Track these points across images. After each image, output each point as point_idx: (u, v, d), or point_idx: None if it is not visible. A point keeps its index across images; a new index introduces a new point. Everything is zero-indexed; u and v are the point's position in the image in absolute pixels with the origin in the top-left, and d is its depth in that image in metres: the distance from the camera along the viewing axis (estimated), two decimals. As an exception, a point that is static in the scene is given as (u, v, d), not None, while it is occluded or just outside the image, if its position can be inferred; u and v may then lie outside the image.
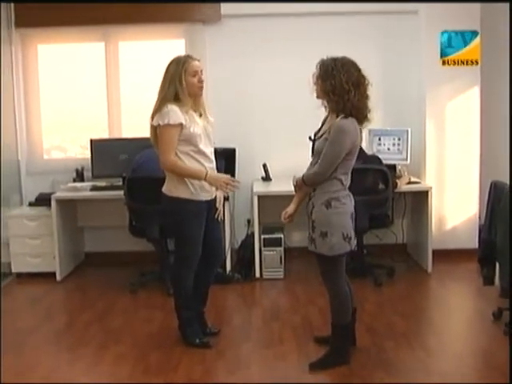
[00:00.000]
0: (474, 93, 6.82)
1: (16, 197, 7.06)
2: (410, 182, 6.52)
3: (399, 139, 6.77)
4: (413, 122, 6.97)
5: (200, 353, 4.63)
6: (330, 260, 4.18)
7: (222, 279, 6.25)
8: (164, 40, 7.24)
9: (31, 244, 6.59)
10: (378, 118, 6.76)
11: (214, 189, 4.65)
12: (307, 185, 4.23)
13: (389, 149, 6.79)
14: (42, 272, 6.60)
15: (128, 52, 7.22)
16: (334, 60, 4.09)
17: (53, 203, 6.43)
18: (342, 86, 4.01)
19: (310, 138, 4.34)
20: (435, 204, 6.64)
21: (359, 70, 4.10)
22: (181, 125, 4.39)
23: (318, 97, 4.21)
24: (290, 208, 4.42)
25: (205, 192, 4.57)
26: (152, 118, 4.47)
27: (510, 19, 6.34)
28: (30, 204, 6.86)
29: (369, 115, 4.17)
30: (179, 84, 4.41)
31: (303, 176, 4.24)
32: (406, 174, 6.68)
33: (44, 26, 6.99)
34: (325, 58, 4.16)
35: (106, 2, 6.76)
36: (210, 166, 4.58)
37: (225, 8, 6.88)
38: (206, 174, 4.46)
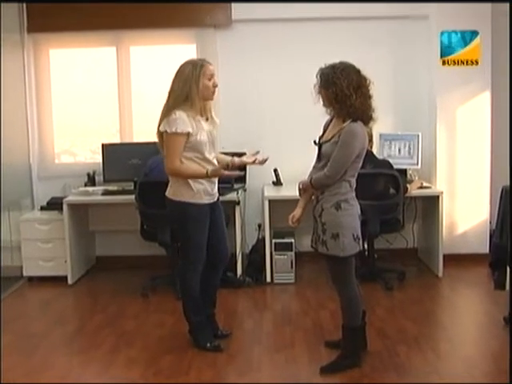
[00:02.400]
0: (485, 97, 6.82)
1: (28, 201, 7.09)
2: (421, 187, 6.51)
3: (410, 144, 6.77)
4: (423, 127, 6.97)
5: (211, 356, 4.63)
6: (341, 261, 4.20)
7: (233, 283, 6.26)
8: (175, 45, 7.27)
9: (43, 248, 6.61)
10: (388, 122, 6.86)
11: (215, 191, 4.73)
12: (315, 188, 4.25)
13: (400, 153, 6.80)
14: (54, 276, 6.62)
15: (139, 56, 7.25)
16: (333, 67, 4.10)
17: (64, 207, 6.45)
18: (343, 92, 4.03)
19: (314, 142, 4.36)
20: (446, 209, 6.63)
21: (359, 72, 4.12)
22: (188, 133, 4.43)
23: (324, 105, 4.23)
24: (297, 212, 4.44)
25: (207, 195, 4.62)
26: (159, 122, 4.51)
27: (509, 19, 6.34)
28: (42, 208, 6.89)
29: (373, 115, 4.19)
30: (195, 85, 4.43)
31: (311, 179, 4.25)
32: (416, 178, 6.68)
33: (56, 31, 7.02)
34: (323, 66, 4.18)
35: (118, 2, 6.79)
36: None
37: (236, 13, 6.90)
38: (207, 171, 4.50)
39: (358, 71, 4.12)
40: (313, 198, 4.33)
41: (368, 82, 4.13)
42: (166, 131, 4.43)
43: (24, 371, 4.47)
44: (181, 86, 4.46)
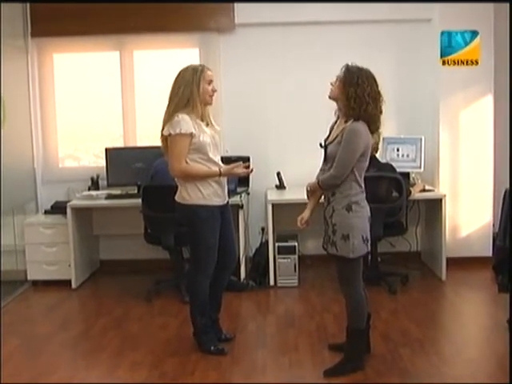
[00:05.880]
0: (488, 100, 6.83)
1: (32, 205, 7.11)
2: (424, 190, 6.52)
3: (413, 147, 6.78)
4: (426, 130, 6.99)
5: (215, 360, 4.64)
6: (350, 262, 4.23)
7: (237, 287, 6.27)
8: (178, 49, 7.29)
9: (47, 252, 6.63)
10: (391, 126, 6.86)
11: (225, 193, 4.76)
12: (323, 189, 4.28)
13: (402, 156, 6.81)
14: (58, 280, 6.62)
15: (143, 61, 7.27)
16: (360, 70, 4.17)
17: (68, 211, 6.47)
18: (363, 97, 4.09)
19: (320, 144, 4.41)
20: (449, 212, 6.63)
21: (377, 86, 4.19)
22: (191, 134, 4.46)
23: (330, 97, 4.28)
24: (306, 213, 4.47)
25: (217, 197, 4.64)
26: (163, 127, 4.55)
27: (509, 19, 6.35)
28: (46, 212, 6.91)
29: (380, 128, 4.28)
30: (197, 89, 4.50)
31: (319, 180, 4.29)
32: (419, 181, 6.69)
33: (59, 36, 7.04)
34: (350, 63, 4.23)
35: (121, 2, 6.81)
36: None
37: (239, 17, 6.91)
38: (220, 169, 4.58)
39: (378, 85, 4.19)
40: (323, 199, 4.37)
41: (382, 98, 4.21)
42: (170, 134, 4.47)
43: (30, 374, 4.49)
44: (182, 90, 4.52)
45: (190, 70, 4.55)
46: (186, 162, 4.52)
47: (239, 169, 4.66)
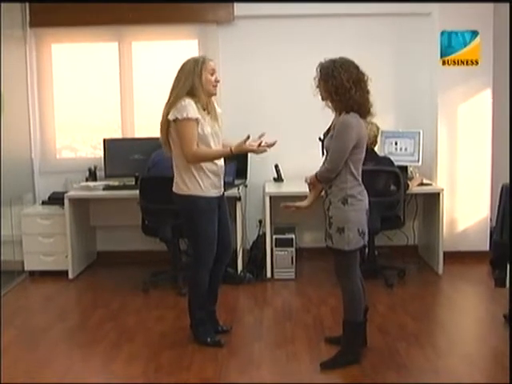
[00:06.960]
0: (486, 95, 6.83)
1: (29, 195, 7.11)
2: (422, 184, 6.52)
3: (411, 141, 6.77)
4: (425, 124, 6.98)
5: (212, 352, 4.64)
6: (346, 254, 4.24)
7: (234, 279, 6.28)
8: (177, 40, 7.27)
9: (44, 242, 6.63)
10: (390, 119, 6.86)
11: (222, 184, 4.76)
12: (321, 182, 4.31)
13: (401, 150, 6.80)
14: (55, 270, 6.63)
15: (141, 52, 7.26)
16: (333, 61, 4.18)
17: (66, 202, 6.47)
18: (343, 85, 4.10)
19: (319, 138, 4.44)
20: (446, 206, 6.64)
21: (357, 68, 4.19)
22: (197, 120, 4.44)
23: (322, 99, 4.29)
24: (301, 202, 4.51)
25: (214, 188, 4.65)
26: (167, 112, 4.50)
27: (510, 19, 6.35)
28: (43, 203, 6.91)
29: (371, 109, 4.25)
30: (199, 79, 4.47)
31: (316, 173, 4.30)
32: (417, 175, 6.69)
33: (58, 26, 7.04)
34: (323, 60, 4.25)
35: (121, 2, 6.81)
36: (221, 164, 4.68)
37: (238, 9, 6.90)
38: (231, 148, 4.54)
39: (357, 67, 4.19)
40: (323, 192, 4.38)
41: (366, 77, 4.20)
42: (176, 119, 4.43)
43: (26, 366, 4.49)
44: (183, 81, 4.50)
45: (192, 62, 4.53)
46: (198, 145, 4.49)
47: (253, 145, 4.58)
